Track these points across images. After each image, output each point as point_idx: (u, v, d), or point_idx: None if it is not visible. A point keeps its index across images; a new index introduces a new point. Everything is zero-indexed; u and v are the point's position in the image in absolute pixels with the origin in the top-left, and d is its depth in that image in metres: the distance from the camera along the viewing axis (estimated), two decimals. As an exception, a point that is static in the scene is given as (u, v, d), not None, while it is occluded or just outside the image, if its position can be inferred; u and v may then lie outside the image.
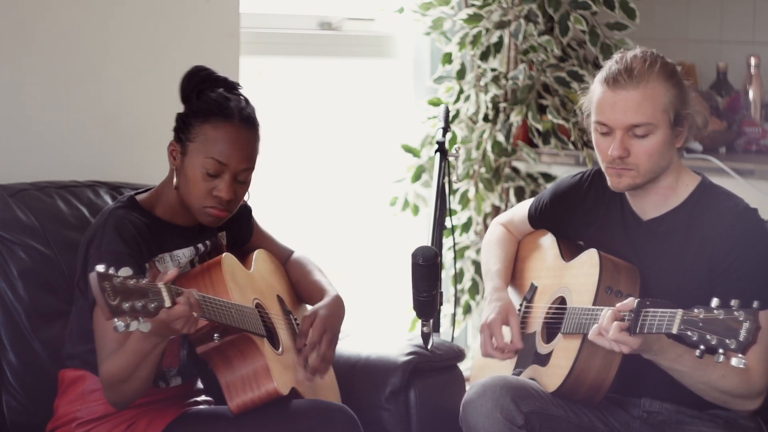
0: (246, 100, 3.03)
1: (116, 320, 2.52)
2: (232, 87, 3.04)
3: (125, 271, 2.56)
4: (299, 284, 3.31)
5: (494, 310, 3.15)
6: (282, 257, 3.35)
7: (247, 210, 3.27)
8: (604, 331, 2.79)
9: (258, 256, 3.22)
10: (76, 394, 3.00)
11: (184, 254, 3.05)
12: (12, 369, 3.21)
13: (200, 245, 3.09)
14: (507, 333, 3.15)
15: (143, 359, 2.79)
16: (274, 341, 3.07)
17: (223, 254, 3.05)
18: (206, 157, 2.94)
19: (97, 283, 2.49)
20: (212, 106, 2.96)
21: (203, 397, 3.16)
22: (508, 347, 3.12)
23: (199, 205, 2.97)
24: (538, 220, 3.32)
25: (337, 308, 3.19)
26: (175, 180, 2.99)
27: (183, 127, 2.98)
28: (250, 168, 2.99)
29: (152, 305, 2.58)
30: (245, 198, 3.08)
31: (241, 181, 2.98)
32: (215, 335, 2.89)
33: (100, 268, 2.51)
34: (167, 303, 2.62)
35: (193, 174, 2.96)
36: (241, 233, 3.26)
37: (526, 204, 3.37)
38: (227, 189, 2.95)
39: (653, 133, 2.95)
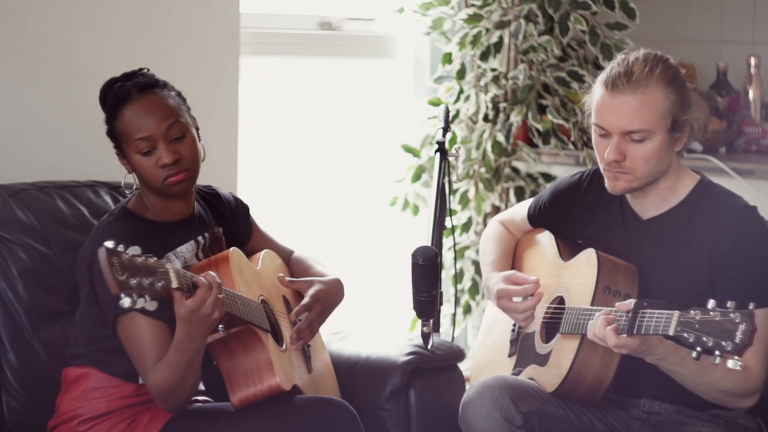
0: (143, 74, 3.03)
1: (122, 295, 2.53)
2: (131, 74, 3.03)
3: (134, 249, 2.58)
4: None
5: (496, 282, 3.16)
6: (283, 257, 3.35)
7: (244, 208, 3.28)
8: (600, 340, 2.80)
9: (265, 256, 3.23)
10: (79, 392, 3.01)
11: (187, 249, 3.05)
12: (12, 369, 3.21)
13: (200, 238, 3.09)
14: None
15: (187, 367, 2.82)
16: (278, 339, 3.07)
17: (231, 248, 3.05)
18: (133, 143, 2.97)
19: (106, 257, 2.51)
20: (114, 101, 2.99)
21: (203, 398, 3.16)
22: (530, 289, 3.12)
23: (159, 183, 2.97)
24: (538, 219, 3.32)
25: (334, 287, 3.21)
26: (137, 182, 3.02)
27: (112, 140, 3.02)
28: (175, 122, 2.98)
29: (159, 284, 2.59)
30: (200, 156, 3.04)
31: (176, 138, 2.98)
32: (220, 326, 2.90)
33: (109, 243, 2.53)
34: (174, 283, 2.63)
35: (137, 164, 2.98)
36: (239, 231, 3.26)
37: (526, 203, 3.37)
38: (166, 153, 2.96)
39: (650, 139, 2.94)
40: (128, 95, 2.98)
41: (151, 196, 3.03)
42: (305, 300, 3.14)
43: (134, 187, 3.04)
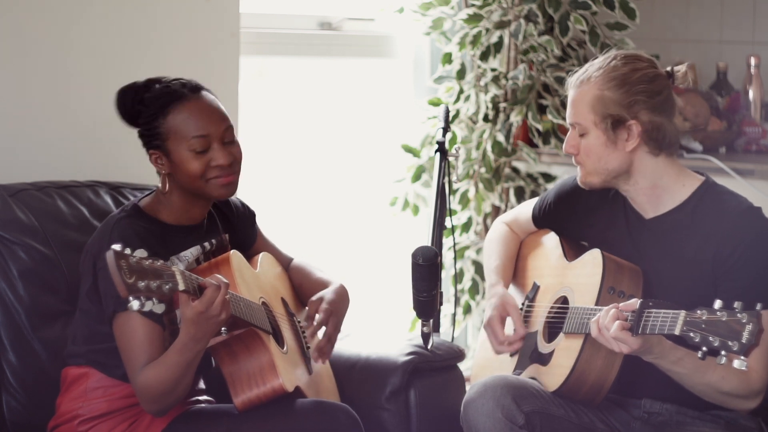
0: (180, 79, 3.03)
1: (131, 298, 2.54)
2: (157, 80, 3.03)
3: (141, 252, 2.58)
4: (302, 286, 3.32)
5: (491, 307, 3.17)
6: (283, 264, 3.35)
7: (251, 214, 3.28)
8: (605, 328, 2.79)
9: (263, 259, 3.23)
10: (79, 392, 3.01)
11: (192, 254, 3.05)
12: (12, 369, 3.21)
13: (206, 244, 3.09)
14: (509, 330, 3.16)
15: (186, 369, 2.81)
16: (279, 341, 3.07)
17: (232, 251, 3.05)
18: (188, 140, 2.95)
19: (114, 261, 2.51)
20: (162, 100, 2.97)
21: (205, 397, 3.16)
22: (512, 338, 3.15)
23: (204, 182, 2.98)
24: (542, 220, 3.32)
25: (342, 294, 3.21)
26: (167, 186, 3.00)
27: (151, 136, 2.99)
28: (230, 126, 3.01)
29: (166, 287, 2.60)
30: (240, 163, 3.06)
31: (229, 141, 3.00)
32: (222, 329, 2.90)
33: (117, 246, 2.54)
34: (181, 286, 2.64)
35: (186, 161, 2.96)
36: (244, 237, 3.26)
37: (530, 204, 3.37)
38: (222, 155, 2.98)
39: (588, 133, 3.02)
40: (181, 94, 2.97)
41: (177, 198, 3.02)
42: (320, 316, 3.12)
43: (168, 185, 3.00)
